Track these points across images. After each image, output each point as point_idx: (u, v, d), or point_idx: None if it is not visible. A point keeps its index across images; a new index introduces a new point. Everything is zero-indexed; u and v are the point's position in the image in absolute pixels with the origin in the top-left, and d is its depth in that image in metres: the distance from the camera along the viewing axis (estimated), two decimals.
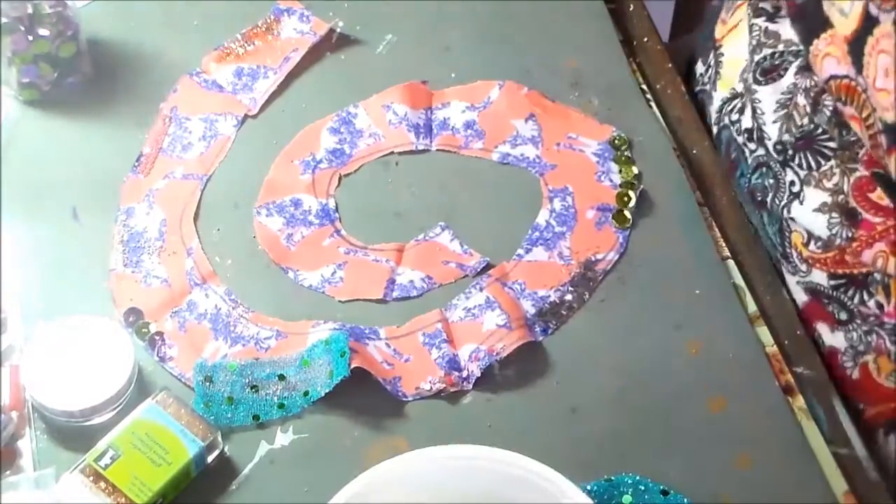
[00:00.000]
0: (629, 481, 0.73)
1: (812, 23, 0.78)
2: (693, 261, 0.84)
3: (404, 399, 0.77)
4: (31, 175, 0.86)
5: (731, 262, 0.84)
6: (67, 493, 0.70)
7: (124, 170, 0.87)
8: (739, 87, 0.88)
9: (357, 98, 0.91)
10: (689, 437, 0.76)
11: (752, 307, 0.82)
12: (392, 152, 0.89)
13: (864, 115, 0.74)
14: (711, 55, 0.93)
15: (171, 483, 0.71)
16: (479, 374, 0.78)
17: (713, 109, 0.91)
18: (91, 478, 0.70)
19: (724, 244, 0.85)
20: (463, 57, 0.94)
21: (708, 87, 0.92)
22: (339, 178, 0.87)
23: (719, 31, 0.93)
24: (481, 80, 0.92)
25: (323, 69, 0.93)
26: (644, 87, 0.93)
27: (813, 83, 0.80)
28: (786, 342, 0.81)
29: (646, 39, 0.95)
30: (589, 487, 0.73)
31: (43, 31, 0.86)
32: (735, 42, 0.90)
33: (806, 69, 0.81)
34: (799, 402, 0.78)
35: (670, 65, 0.94)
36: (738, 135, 0.87)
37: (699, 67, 0.95)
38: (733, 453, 0.75)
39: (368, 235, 0.84)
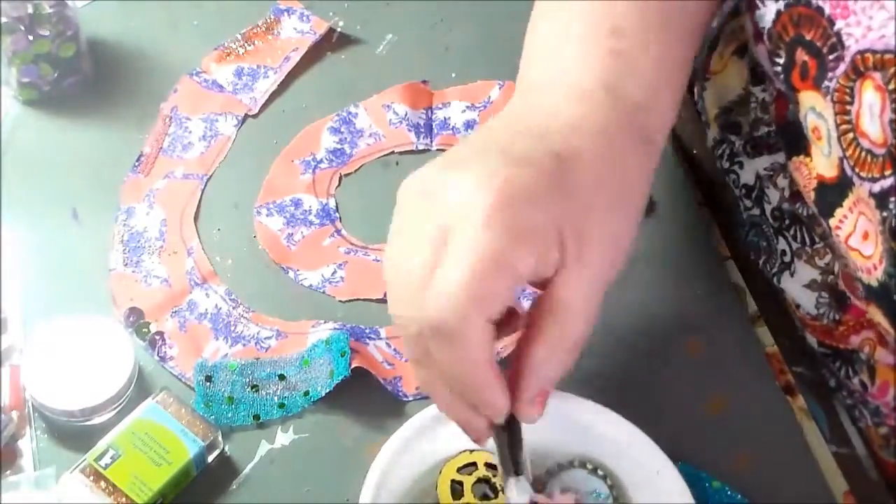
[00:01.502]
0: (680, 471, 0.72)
1: (793, 141, 0.71)
2: (693, 261, 0.84)
3: (405, 399, 0.77)
4: (31, 175, 0.86)
5: (731, 262, 0.84)
6: (67, 492, 0.70)
7: (124, 170, 0.87)
8: (717, 134, 0.84)
9: (357, 98, 0.91)
10: (688, 438, 0.76)
11: (752, 307, 0.82)
12: (392, 152, 0.89)
13: (835, 256, 0.72)
14: (697, 87, 0.88)
15: (171, 483, 0.71)
16: None
17: (709, 144, 0.87)
18: (91, 477, 0.70)
19: (724, 244, 0.85)
20: (463, 57, 0.94)
21: (703, 117, 0.88)
22: (340, 178, 0.87)
23: (715, 62, 0.86)
24: (481, 80, 0.92)
25: (323, 69, 0.93)
26: None
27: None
28: (786, 342, 0.81)
29: None
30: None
31: (43, 31, 0.86)
32: (719, 83, 0.85)
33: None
34: (799, 402, 0.78)
35: None
36: (736, 187, 0.83)
37: (695, 90, 0.90)
38: (733, 453, 0.75)
39: (369, 235, 0.85)
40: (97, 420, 0.74)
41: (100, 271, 0.82)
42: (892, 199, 0.60)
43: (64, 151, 0.88)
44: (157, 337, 0.79)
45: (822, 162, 0.67)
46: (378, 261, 0.83)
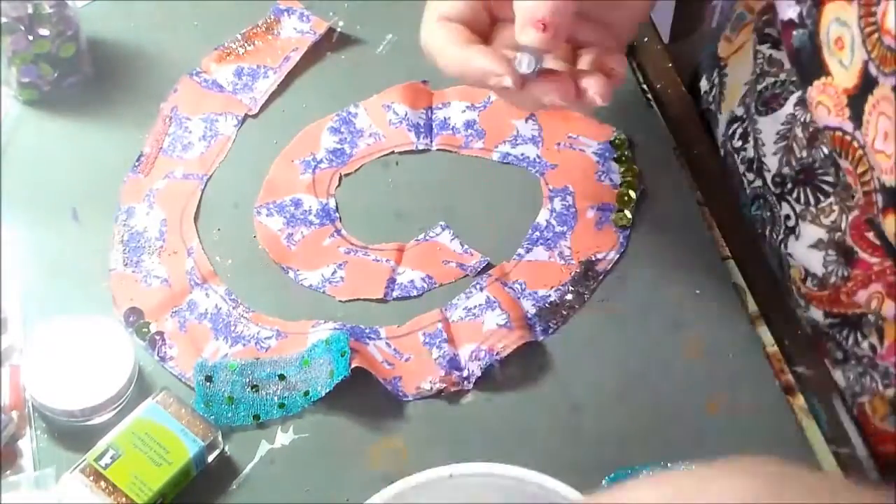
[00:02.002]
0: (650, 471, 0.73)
1: (808, 67, 0.75)
2: (693, 261, 0.84)
3: (404, 399, 0.77)
4: (31, 175, 0.86)
5: (731, 262, 0.84)
6: (67, 492, 0.70)
7: (124, 170, 0.87)
8: (739, 111, 0.87)
9: (357, 98, 0.91)
10: (688, 437, 0.76)
11: (752, 307, 0.82)
12: (392, 152, 0.89)
13: (859, 170, 0.73)
14: (716, 74, 0.92)
15: (171, 482, 0.71)
16: (479, 374, 0.78)
17: (719, 133, 0.90)
18: (91, 477, 0.70)
19: (724, 244, 0.85)
20: None
21: (713, 107, 0.92)
22: (340, 178, 0.87)
23: (724, 49, 0.92)
24: None
25: (323, 69, 0.93)
26: (644, 87, 0.93)
27: (811, 118, 0.79)
28: (786, 342, 0.81)
29: (646, 39, 0.95)
30: (646, 471, 0.73)
31: (43, 31, 0.86)
32: (739, 64, 0.89)
33: (805, 102, 0.79)
34: (799, 401, 0.78)
35: (670, 65, 0.94)
36: (742, 164, 0.86)
37: (703, 84, 0.94)
38: (733, 453, 0.75)
39: (369, 235, 0.85)
40: (97, 420, 0.74)
41: (100, 271, 0.82)
42: None
43: (64, 151, 0.88)
44: (157, 337, 0.79)
45: (842, 75, 0.71)
46: (378, 261, 0.83)
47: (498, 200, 0.87)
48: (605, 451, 0.75)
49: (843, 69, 0.70)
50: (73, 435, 0.74)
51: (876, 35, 0.67)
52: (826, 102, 0.73)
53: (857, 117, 0.70)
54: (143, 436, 0.71)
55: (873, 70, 0.68)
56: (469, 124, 0.90)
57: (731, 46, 0.91)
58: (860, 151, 0.72)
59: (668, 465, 0.74)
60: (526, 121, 0.90)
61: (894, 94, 0.66)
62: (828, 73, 0.72)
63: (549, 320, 0.81)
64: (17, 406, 0.75)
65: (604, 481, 0.73)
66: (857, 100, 0.70)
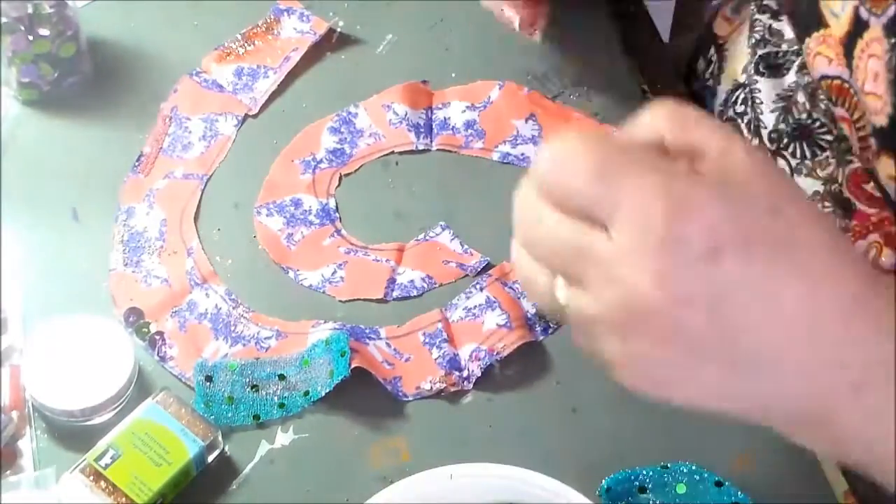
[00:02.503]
0: (685, 469, 0.73)
1: (806, 20, 0.77)
2: None
3: (404, 399, 0.77)
4: (31, 175, 0.86)
5: None
6: (67, 492, 0.70)
7: (124, 170, 0.87)
8: (742, 78, 0.88)
9: (357, 98, 0.91)
10: (688, 437, 0.76)
11: None
12: (392, 152, 0.89)
13: (854, 116, 0.74)
14: (713, 50, 0.92)
15: (171, 483, 0.71)
16: (479, 374, 0.78)
17: (717, 103, 0.91)
18: (91, 477, 0.70)
19: None
20: (463, 57, 0.94)
21: (710, 82, 0.92)
22: (340, 178, 0.87)
23: (722, 27, 0.92)
24: (481, 80, 0.92)
25: (323, 69, 0.93)
26: (644, 87, 0.93)
27: (811, 80, 0.80)
28: None
29: (646, 39, 0.95)
30: (645, 472, 0.73)
31: (43, 31, 0.86)
32: (741, 38, 0.89)
33: (805, 66, 0.81)
34: None
35: (670, 65, 0.94)
36: (744, 127, 0.87)
37: (700, 64, 0.95)
38: (733, 453, 0.75)
39: (369, 235, 0.84)
40: (97, 420, 0.74)
41: (100, 271, 0.82)
42: None
43: (64, 151, 0.88)
44: (157, 337, 0.79)
45: (835, 25, 0.73)
46: (378, 261, 0.83)
47: (498, 200, 0.86)
48: (605, 452, 0.75)
49: (836, 18, 0.73)
50: (73, 435, 0.74)
51: None
52: (826, 52, 0.75)
53: (850, 63, 0.72)
54: (143, 436, 0.71)
55: (864, 13, 0.69)
56: (469, 124, 0.90)
57: (730, 25, 0.92)
58: (855, 98, 0.73)
59: (668, 465, 0.74)
60: (526, 121, 0.90)
61: (884, 33, 0.68)
62: (826, 25, 0.74)
63: (549, 320, 0.81)
64: (17, 406, 0.75)
65: (604, 481, 0.73)
66: (847, 44, 0.72)
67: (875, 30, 0.69)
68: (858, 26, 0.71)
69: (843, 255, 0.52)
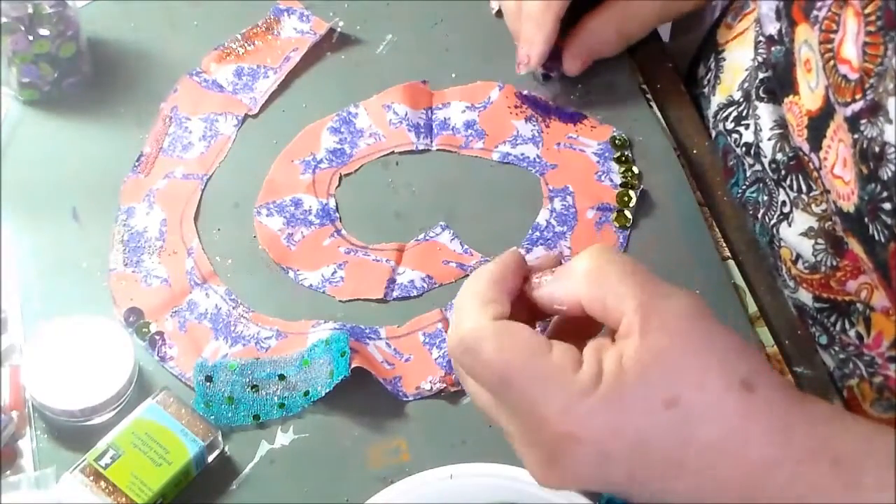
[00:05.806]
0: None
1: (782, 84, 0.75)
2: (693, 261, 0.84)
3: (404, 399, 0.77)
4: (31, 175, 0.86)
5: (731, 262, 0.84)
6: (67, 492, 0.70)
7: (124, 170, 0.87)
8: (737, 96, 0.87)
9: (357, 98, 0.91)
10: None
11: (752, 307, 0.82)
12: (392, 152, 0.89)
13: (822, 205, 0.74)
14: (712, 59, 0.92)
15: (171, 483, 0.71)
16: None
17: (710, 113, 0.91)
18: (91, 477, 0.70)
19: (724, 244, 0.85)
20: (463, 57, 0.94)
21: (706, 90, 0.92)
22: (340, 178, 0.87)
23: (723, 35, 0.92)
24: (481, 80, 0.92)
25: (323, 69, 0.93)
26: (644, 87, 0.93)
27: None
28: (786, 342, 0.81)
29: (646, 39, 0.95)
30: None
31: (43, 31, 0.86)
32: (739, 49, 0.89)
33: None
34: None
35: (670, 65, 0.94)
36: (737, 146, 0.86)
37: (700, 70, 0.95)
38: None
39: (369, 235, 0.85)
40: (97, 420, 0.74)
41: (100, 271, 0.82)
42: (863, 121, 0.63)
43: (64, 151, 0.88)
44: (157, 337, 0.79)
45: (808, 97, 0.71)
46: (378, 261, 0.83)
47: (498, 200, 0.87)
48: None
49: (811, 91, 0.70)
50: (73, 435, 0.74)
51: (832, 62, 0.66)
52: (791, 121, 0.74)
53: (815, 139, 0.70)
54: (143, 436, 0.71)
55: (831, 97, 0.67)
56: (469, 124, 0.90)
57: (730, 32, 0.91)
58: (815, 173, 0.73)
59: None
60: (526, 121, 0.90)
61: (847, 125, 0.65)
62: (796, 93, 0.73)
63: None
64: (17, 406, 0.75)
65: None
66: (819, 122, 0.69)
67: (839, 117, 0.66)
68: (829, 107, 0.68)
69: (743, 444, 0.55)
